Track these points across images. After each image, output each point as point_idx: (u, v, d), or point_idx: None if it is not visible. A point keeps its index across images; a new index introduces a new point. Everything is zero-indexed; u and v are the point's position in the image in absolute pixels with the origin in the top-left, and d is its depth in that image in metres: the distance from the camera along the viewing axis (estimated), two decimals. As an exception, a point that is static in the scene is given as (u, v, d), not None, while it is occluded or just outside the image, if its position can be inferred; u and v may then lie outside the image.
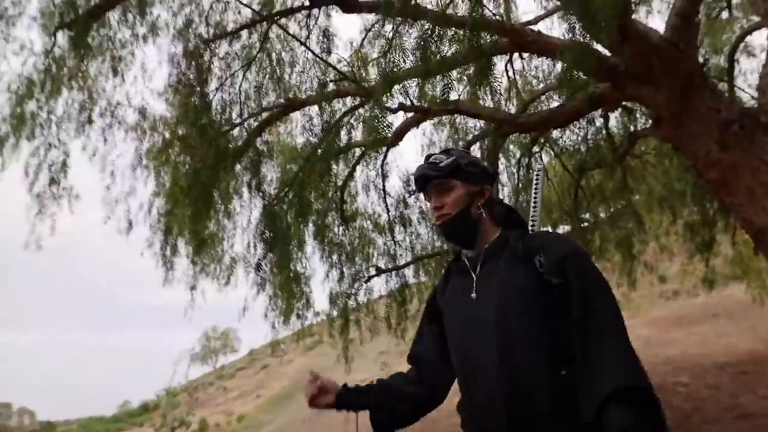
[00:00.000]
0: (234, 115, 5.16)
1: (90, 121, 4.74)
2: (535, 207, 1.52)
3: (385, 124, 4.50)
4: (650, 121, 5.00)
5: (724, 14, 6.67)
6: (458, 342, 1.38)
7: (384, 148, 5.36)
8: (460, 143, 5.93)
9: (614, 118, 6.03)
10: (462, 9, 4.54)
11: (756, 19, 5.81)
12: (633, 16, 4.04)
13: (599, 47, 4.19)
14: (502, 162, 6.37)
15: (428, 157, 1.47)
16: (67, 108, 4.71)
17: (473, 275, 1.38)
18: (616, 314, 1.24)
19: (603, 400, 1.12)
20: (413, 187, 5.83)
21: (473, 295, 1.35)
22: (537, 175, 1.59)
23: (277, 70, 5.28)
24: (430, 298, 1.58)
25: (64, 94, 4.69)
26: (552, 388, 1.21)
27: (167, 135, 4.92)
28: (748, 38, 6.30)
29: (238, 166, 5.37)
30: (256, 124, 5.29)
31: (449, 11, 4.52)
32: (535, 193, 1.55)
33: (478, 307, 1.34)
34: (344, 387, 1.47)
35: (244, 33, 5.17)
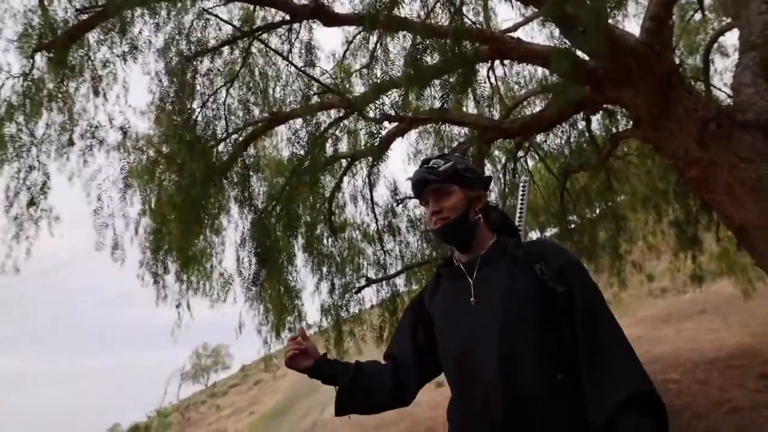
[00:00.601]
0: (219, 131, 5.15)
1: (71, 142, 4.68)
2: (521, 214, 1.55)
3: (377, 135, 4.52)
4: (631, 123, 5.09)
5: (697, 16, 6.86)
6: (454, 345, 1.37)
7: (371, 159, 5.38)
8: (446, 150, 5.98)
9: (596, 120, 6.15)
10: (442, 18, 4.61)
11: (728, 20, 5.97)
12: (609, 21, 4.13)
13: (578, 52, 4.27)
14: (488, 168, 6.43)
15: (426, 161, 1.48)
16: (48, 129, 4.66)
17: (470, 279, 1.38)
18: (616, 323, 1.29)
19: (616, 407, 1.15)
20: (401, 195, 5.90)
21: (472, 299, 1.35)
22: (523, 183, 1.62)
23: (261, 85, 5.28)
24: (417, 300, 1.57)
25: (44, 115, 4.64)
26: (550, 393, 1.23)
27: (152, 153, 4.88)
28: (721, 38, 6.47)
29: (224, 182, 5.34)
30: (241, 139, 5.27)
31: (430, 21, 4.58)
32: (522, 201, 1.59)
33: (478, 312, 1.34)
34: (324, 356, 1.48)
35: (226, 49, 5.17)
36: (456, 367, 1.37)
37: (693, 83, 5.34)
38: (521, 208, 1.58)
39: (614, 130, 6.01)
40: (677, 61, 4.66)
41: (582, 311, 1.27)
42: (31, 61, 4.59)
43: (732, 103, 4.39)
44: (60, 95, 4.66)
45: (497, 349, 1.27)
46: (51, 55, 4.51)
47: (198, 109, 4.98)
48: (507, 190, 6.17)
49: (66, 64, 4.42)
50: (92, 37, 4.68)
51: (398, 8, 4.32)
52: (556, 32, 5.32)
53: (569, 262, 1.36)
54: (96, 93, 4.67)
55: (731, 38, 6.53)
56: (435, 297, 1.48)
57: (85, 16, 4.48)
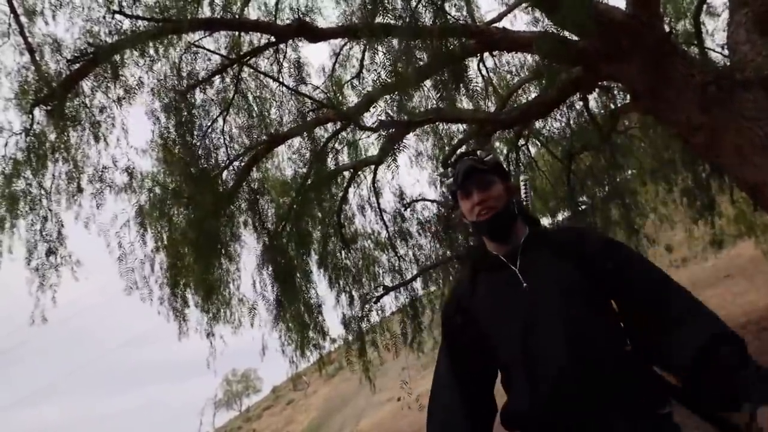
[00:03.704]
0: (221, 159, 5.20)
1: (80, 189, 4.76)
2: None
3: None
4: (628, 97, 5.05)
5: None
6: (513, 334, 1.34)
7: (374, 166, 5.39)
8: (446, 149, 5.97)
9: (593, 99, 6.10)
10: (426, 18, 4.61)
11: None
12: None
13: (566, 33, 4.25)
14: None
15: (466, 153, 1.52)
16: (55, 180, 4.73)
17: (514, 268, 1.39)
18: (673, 279, 1.35)
19: (703, 345, 1.19)
20: (408, 199, 5.89)
21: (524, 285, 1.36)
22: (524, 184, 1.66)
23: (256, 108, 5.33)
24: (452, 305, 1.52)
25: (50, 167, 4.72)
26: (618, 364, 1.27)
27: (158, 191, 4.94)
28: None
29: (233, 208, 5.38)
30: (243, 164, 5.32)
31: (414, 23, 4.58)
32: (526, 200, 1.63)
33: (530, 297, 1.34)
34: None
35: (217, 78, 5.23)
36: (521, 353, 1.33)
37: (686, 48, 5.28)
38: (525, 205, 1.61)
39: (613, 106, 5.96)
40: (667, 28, 4.61)
41: (639, 276, 1.33)
42: (31, 116, 4.68)
43: (729, 63, 4.34)
44: (63, 145, 4.74)
45: (563, 329, 1.28)
46: (49, 107, 4.60)
47: (198, 141, 5.04)
48: (520, 168, 6.17)
49: (64, 115, 4.50)
50: (86, 84, 4.77)
51: (381, 15, 4.34)
52: (541, 17, 5.32)
53: (607, 240, 1.44)
54: (96, 139, 4.75)
55: (720, -3, 6.45)
56: (475, 293, 1.46)
57: (76, 66, 4.56)
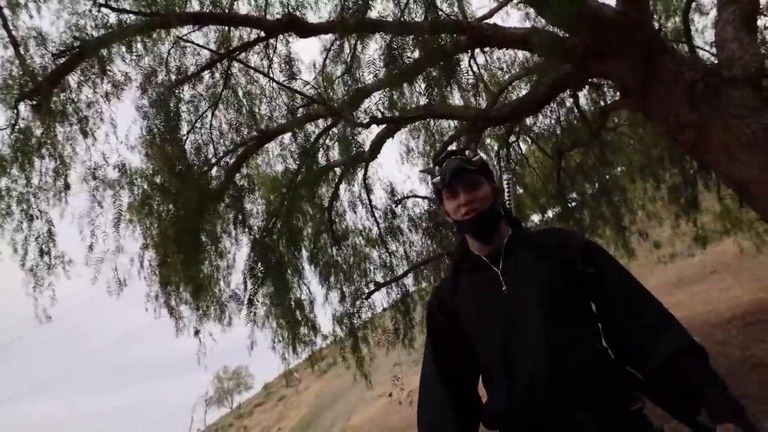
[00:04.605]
0: (210, 155, 5.14)
1: (67, 186, 4.68)
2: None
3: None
4: (618, 94, 5.08)
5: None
6: (493, 335, 1.37)
7: (363, 164, 5.37)
8: (437, 145, 5.97)
9: (583, 96, 6.13)
10: (417, 14, 4.60)
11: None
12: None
13: (556, 30, 4.26)
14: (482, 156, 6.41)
15: (452, 152, 1.52)
16: (43, 177, 4.65)
17: (495, 270, 1.41)
18: (646, 288, 1.40)
19: (670, 355, 1.26)
20: (399, 195, 5.88)
21: (504, 288, 1.38)
22: (507, 181, 1.66)
23: (246, 104, 5.28)
24: (434, 303, 1.54)
25: (36, 164, 4.63)
26: (594, 362, 1.30)
27: (146, 186, 4.87)
28: (699, -4, 6.44)
29: (222, 204, 5.34)
30: (233, 160, 5.27)
31: (405, 18, 4.57)
32: (508, 199, 1.63)
33: (512, 299, 1.37)
34: None
35: (207, 73, 5.17)
36: (501, 353, 1.36)
37: (675, 46, 5.32)
38: (508, 206, 1.61)
39: (602, 103, 5.99)
40: (656, 25, 4.64)
41: (617, 285, 1.38)
42: (16, 111, 4.60)
43: (717, 61, 4.38)
44: (49, 141, 4.66)
45: (542, 332, 1.31)
46: (34, 102, 4.51)
47: (186, 137, 4.98)
48: (502, 175, 6.17)
49: (51, 110, 4.42)
50: (73, 79, 4.69)
51: (371, 9, 4.32)
52: (532, 13, 5.33)
53: (588, 244, 1.45)
54: (84, 134, 4.67)
55: (709, -5, 6.50)
56: (457, 292, 1.48)
57: (62, 60, 4.48)
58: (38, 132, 4.71)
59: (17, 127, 4.60)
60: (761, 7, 4.51)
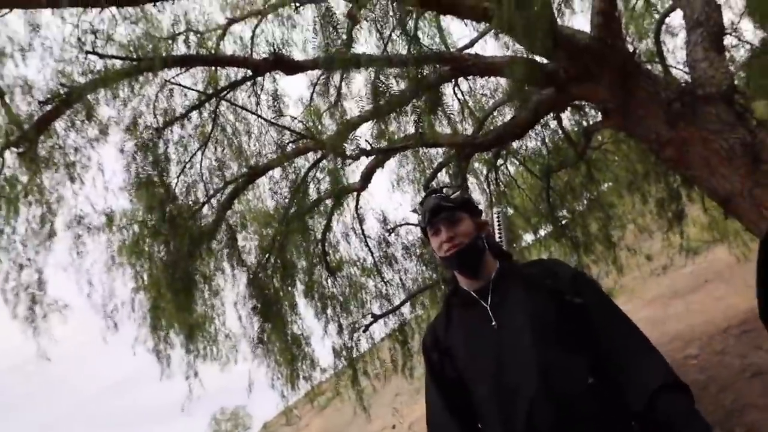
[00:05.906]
0: (200, 195, 5.14)
1: (54, 233, 4.64)
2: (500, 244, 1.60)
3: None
4: (600, 115, 5.20)
5: (641, 2, 7.10)
6: (484, 371, 1.38)
7: (355, 194, 5.41)
8: (427, 172, 6.03)
9: (566, 118, 6.27)
10: (400, 46, 4.71)
11: (670, 0, 6.21)
12: (559, 22, 4.27)
13: (535, 57, 4.39)
14: (471, 182, 6.48)
15: (433, 191, 1.57)
16: (30, 224, 4.61)
17: (485, 305, 1.42)
18: (632, 322, 1.41)
19: (653, 393, 1.27)
20: (391, 224, 5.89)
21: (493, 324, 1.39)
22: (497, 215, 1.69)
23: (235, 142, 5.32)
24: (429, 339, 1.55)
25: (23, 211, 4.60)
26: (586, 396, 1.30)
27: (136, 229, 4.84)
28: (668, 19, 6.69)
29: (214, 243, 5.31)
30: (223, 198, 5.27)
31: (389, 49, 4.68)
32: (500, 233, 1.65)
33: (502, 335, 1.37)
34: None
35: (195, 114, 5.22)
36: (493, 389, 1.37)
37: (650, 67, 5.49)
38: (500, 239, 1.64)
39: (585, 124, 6.13)
40: (630, 48, 4.81)
41: (603, 320, 1.39)
42: (2, 159, 4.58)
43: (690, 80, 4.53)
44: (36, 188, 4.63)
45: (534, 367, 1.31)
46: (21, 150, 4.51)
47: (176, 179, 4.99)
48: (493, 200, 6.23)
49: (37, 158, 4.42)
50: (60, 125, 4.70)
51: (355, 45, 4.43)
52: (511, 42, 5.48)
53: (577, 275, 1.46)
54: (72, 180, 4.66)
55: (677, 17, 6.76)
56: (449, 328, 1.49)
57: (49, 107, 4.51)
58: (24, 179, 4.70)
59: (2, 175, 4.58)
60: (726, 28, 4.70)
